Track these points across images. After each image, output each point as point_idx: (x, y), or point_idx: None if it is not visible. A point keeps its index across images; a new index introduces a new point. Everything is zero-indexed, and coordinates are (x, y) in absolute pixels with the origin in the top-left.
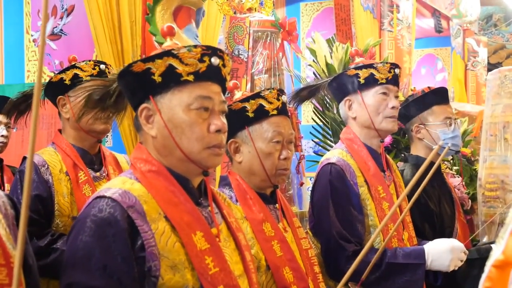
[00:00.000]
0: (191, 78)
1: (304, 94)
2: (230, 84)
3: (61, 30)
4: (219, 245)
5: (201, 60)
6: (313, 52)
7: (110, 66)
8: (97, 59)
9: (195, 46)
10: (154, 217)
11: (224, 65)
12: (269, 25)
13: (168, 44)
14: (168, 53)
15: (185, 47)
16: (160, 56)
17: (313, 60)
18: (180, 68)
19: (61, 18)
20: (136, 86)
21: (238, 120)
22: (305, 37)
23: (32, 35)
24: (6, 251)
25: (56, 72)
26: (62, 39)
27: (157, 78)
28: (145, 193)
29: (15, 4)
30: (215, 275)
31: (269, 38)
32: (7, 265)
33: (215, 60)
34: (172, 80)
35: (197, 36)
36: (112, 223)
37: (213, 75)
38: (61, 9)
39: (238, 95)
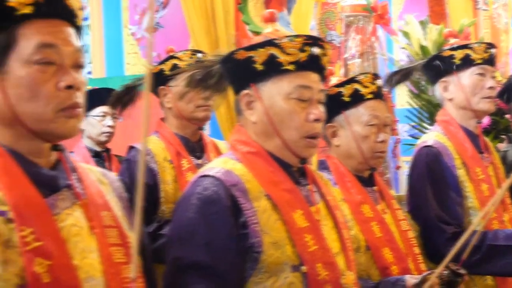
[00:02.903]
0: (291, 67)
1: (398, 77)
2: None
3: (158, 23)
4: (318, 223)
5: (302, 50)
6: (406, 34)
7: (207, 54)
8: (194, 49)
9: (297, 36)
10: (255, 196)
11: (324, 54)
12: (360, 10)
13: (269, 30)
14: (270, 43)
15: (287, 36)
16: (262, 45)
17: (407, 43)
18: (281, 57)
19: (157, 11)
20: (238, 73)
21: (335, 105)
22: (396, 19)
23: (130, 29)
24: (123, 232)
25: (155, 64)
26: (159, 31)
27: (258, 66)
28: (247, 172)
29: (114, 0)
30: (314, 252)
31: (361, 22)
32: (124, 245)
33: (316, 50)
34: (273, 69)
35: (289, 24)
36: (215, 200)
37: (313, 65)
38: (157, 2)
39: (333, 80)
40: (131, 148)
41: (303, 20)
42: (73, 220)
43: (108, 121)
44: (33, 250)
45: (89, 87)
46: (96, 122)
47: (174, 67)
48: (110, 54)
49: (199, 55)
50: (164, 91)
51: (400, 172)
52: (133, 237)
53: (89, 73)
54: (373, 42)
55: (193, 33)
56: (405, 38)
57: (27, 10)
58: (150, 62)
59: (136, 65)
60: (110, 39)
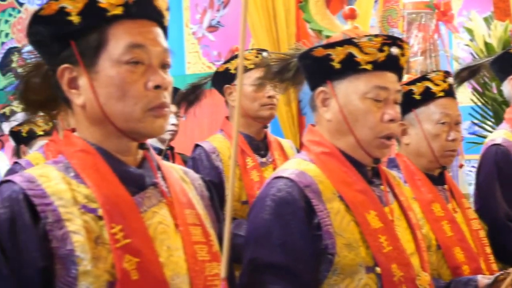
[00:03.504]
0: (369, 67)
1: (464, 74)
2: None
3: (218, 22)
4: (392, 224)
5: (380, 50)
6: (470, 31)
7: (271, 53)
8: (259, 48)
9: (376, 35)
10: (329, 197)
11: (403, 54)
12: (423, 6)
13: (348, 27)
14: (348, 42)
15: (366, 36)
16: (341, 43)
17: (470, 40)
18: (359, 56)
19: (218, 10)
20: (315, 70)
21: (405, 103)
22: (456, 16)
23: (191, 28)
24: (206, 230)
25: (221, 63)
26: (220, 30)
27: (336, 64)
28: (320, 173)
29: (175, 0)
30: (388, 253)
31: (423, 19)
32: (207, 243)
33: (394, 50)
34: (350, 67)
35: None
36: (290, 202)
37: (391, 64)
38: (218, 1)
39: (404, 78)
40: (197, 146)
41: (363, 17)
42: (159, 218)
43: (172, 119)
44: (123, 247)
45: None
46: None
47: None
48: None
49: (264, 54)
50: (230, 89)
51: (460, 171)
52: (225, 235)
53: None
54: (436, 39)
55: (254, 32)
56: (469, 35)
57: (118, 11)
58: (242, 63)
59: (196, 64)
60: (171, 38)
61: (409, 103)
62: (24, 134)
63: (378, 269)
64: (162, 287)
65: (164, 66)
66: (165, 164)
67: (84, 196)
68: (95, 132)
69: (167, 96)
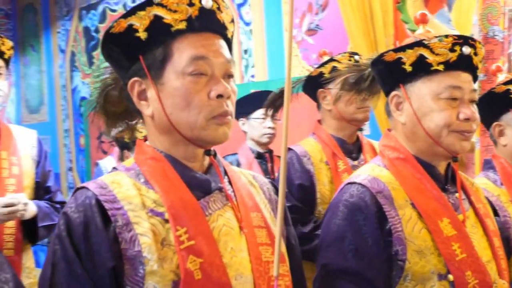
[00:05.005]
0: (441, 67)
1: None
2: (492, 67)
3: (317, 25)
4: (466, 232)
5: (452, 50)
6: None
7: (362, 56)
8: (352, 51)
9: (446, 36)
10: (401, 204)
11: (476, 54)
12: None
13: (420, 32)
14: (419, 43)
15: (436, 37)
16: (411, 46)
17: None
18: (430, 58)
19: (316, 14)
20: (387, 74)
21: (502, 103)
22: None
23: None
24: (271, 232)
25: (315, 66)
26: (318, 33)
27: (407, 67)
28: (393, 180)
29: (275, 5)
30: (462, 261)
31: None
32: (272, 244)
33: (466, 49)
34: (422, 69)
35: (450, 20)
36: (362, 207)
37: (464, 64)
38: (316, 5)
39: (501, 78)
40: (289, 150)
41: (464, 16)
42: (224, 220)
43: (268, 122)
44: (187, 249)
45: (252, 90)
46: (257, 124)
47: (333, 69)
48: (271, 58)
49: (356, 57)
50: (324, 93)
51: None
52: (276, 236)
53: (252, 76)
54: None
55: (351, 35)
56: None
57: (181, 26)
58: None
59: (296, 67)
60: (271, 43)
61: (506, 103)
62: (126, 140)
63: (450, 277)
64: (225, 287)
65: (227, 76)
66: (233, 170)
67: (152, 201)
68: (164, 141)
69: (229, 105)
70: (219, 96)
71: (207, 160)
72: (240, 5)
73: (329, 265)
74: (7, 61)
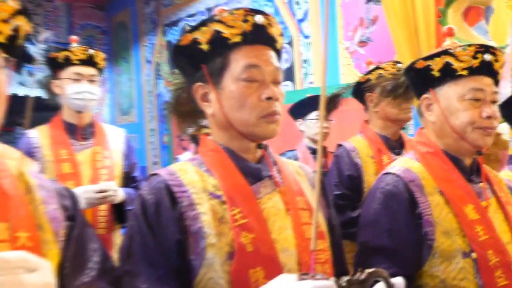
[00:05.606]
0: (465, 72)
1: None
2: None
3: (368, 37)
4: (488, 216)
5: (474, 57)
6: None
7: (406, 64)
8: (396, 60)
9: (470, 45)
10: (430, 191)
11: (496, 60)
12: None
13: (447, 43)
14: (445, 52)
15: (460, 46)
16: (438, 54)
17: None
18: (455, 64)
19: (367, 27)
20: (419, 80)
21: None
22: None
23: (344, 44)
24: (313, 214)
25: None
26: (369, 45)
27: (435, 73)
28: (423, 171)
29: (331, 20)
30: (484, 241)
31: None
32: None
33: (487, 57)
34: (448, 74)
35: (487, 32)
36: (396, 194)
37: (486, 70)
38: (367, 20)
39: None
40: (339, 145)
41: (501, 28)
42: (272, 203)
43: (324, 122)
44: (240, 226)
45: (309, 95)
46: (312, 124)
47: (379, 76)
48: (328, 66)
49: (399, 65)
50: (371, 97)
51: None
52: (313, 219)
53: (311, 82)
54: None
55: (397, 45)
56: None
57: (237, 39)
58: (324, 77)
59: (349, 75)
60: (328, 53)
61: None
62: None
63: (474, 255)
64: (273, 259)
65: (276, 82)
66: (282, 160)
67: (212, 185)
68: (222, 135)
69: (277, 106)
70: (269, 98)
71: (259, 152)
72: (300, 21)
73: (367, 242)
74: (100, 70)
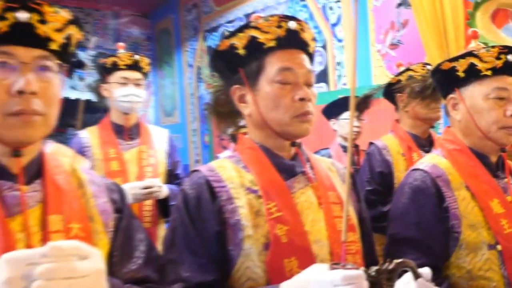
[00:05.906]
0: (489, 72)
1: None
2: None
3: (399, 40)
4: None
5: (498, 58)
6: None
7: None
8: (426, 62)
9: (493, 46)
10: (456, 186)
11: None
12: None
13: (472, 45)
14: (469, 54)
15: (484, 47)
16: (463, 56)
17: None
18: (479, 65)
19: (398, 30)
20: (445, 81)
21: None
22: None
23: (376, 47)
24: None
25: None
26: (400, 47)
27: (460, 74)
28: (450, 167)
29: (362, 24)
30: (509, 234)
31: None
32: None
33: (510, 57)
34: (473, 75)
35: None
36: (424, 189)
37: (509, 69)
38: (398, 23)
39: None
40: (371, 144)
41: None
42: (306, 197)
43: (355, 122)
44: (275, 218)
45: (342, 96)
46: (344, 124)
47: (410, 77)
48: (359, 68)
49: (429, 67)
50: (401, 97)
51: None
52: (344, 213)
53: (344, 84)
54: None
55: (427, 48)
56: None
57: (272, 43)
58: (354, 79)
59: (381, 76)
60: (360, 56)
61: None
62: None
63: (499, 247)
64: (306, 249)
65: (308, 84)
66: (315, 157)
67: (249, 181)
68: (258, 134)
69: (310, 106)
70: (301, 99)
71: (293, 150)
72: (333, 25)
73: (396, 234)
74: (145, 75)
